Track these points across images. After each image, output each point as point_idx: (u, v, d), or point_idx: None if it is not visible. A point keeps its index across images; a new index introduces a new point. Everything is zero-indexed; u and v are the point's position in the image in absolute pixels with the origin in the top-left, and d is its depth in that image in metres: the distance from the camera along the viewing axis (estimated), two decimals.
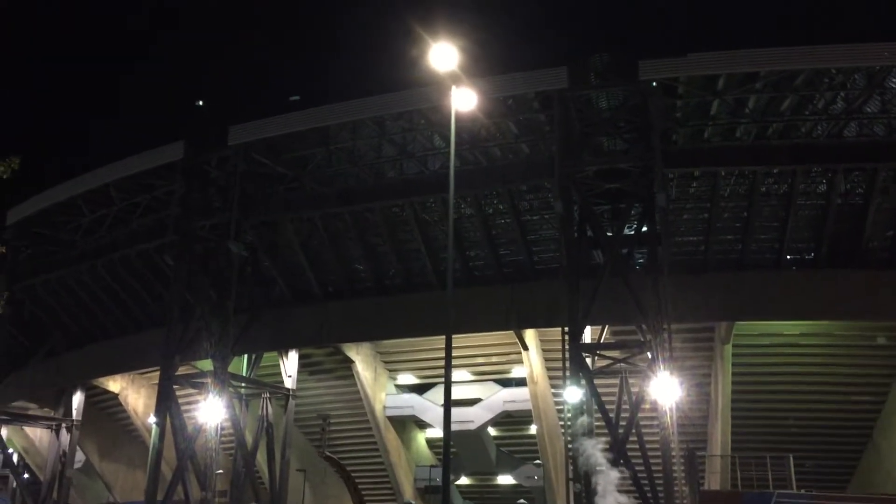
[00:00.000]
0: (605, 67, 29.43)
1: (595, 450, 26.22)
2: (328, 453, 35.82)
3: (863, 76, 29.26)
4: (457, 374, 35.74)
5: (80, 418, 42.83)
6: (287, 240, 35.21)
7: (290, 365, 36.48)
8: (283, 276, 36.26)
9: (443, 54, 20.31)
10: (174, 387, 33.49)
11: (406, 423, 38.14)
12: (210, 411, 32.41)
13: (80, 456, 45.28)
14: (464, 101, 21.65)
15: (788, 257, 31.66)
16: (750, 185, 30.26)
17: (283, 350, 36.60)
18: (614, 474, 26.35)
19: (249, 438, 36.10)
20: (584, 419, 27.34)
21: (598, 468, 25.91)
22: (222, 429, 33.22)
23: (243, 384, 36.48)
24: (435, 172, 33.06)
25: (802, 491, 28.68)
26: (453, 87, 21.33)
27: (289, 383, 36.25)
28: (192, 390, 36.58)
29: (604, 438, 27.78)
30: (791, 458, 29.56)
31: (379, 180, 34.48)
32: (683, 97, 29.93)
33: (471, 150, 32.70)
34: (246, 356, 37.00)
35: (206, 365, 34.09)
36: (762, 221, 31.12)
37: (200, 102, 35.66)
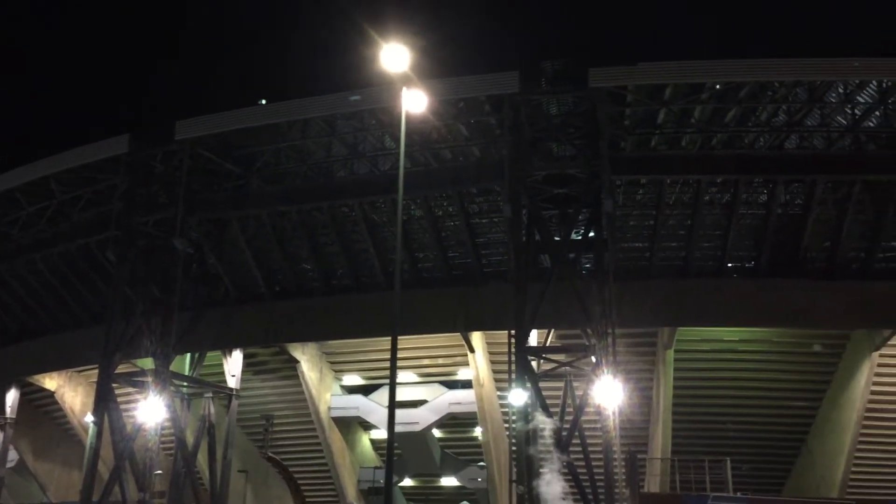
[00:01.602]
0: (556, 73, 29.75)
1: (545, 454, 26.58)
2: (271, 454, 35.43)
3: (804, 90, 30.11)
4: (403, 376, 35.66)
5: (14, 416, 41.68)
6: (234, 238, 34.75)
7: (233, 364, 35.99)
8: (229, 274, 35.78)
9: (394, 55, 20.31)
10: (113, 385, 32.79)
11: (351, 425, 37.93)
12: (150, 411, 31.79)
13: (13, 455, 44.01)
14: (415, 102, 21.69)
15: (730, 265, 32.38)
16: (694, 194, 30.87)
17: (228, 349, 36.09)
18: (557, 476, 26.69)
19: (190, 438, 35.50)
20: (547, 421, 27.64)
21: (541, 470, 26.17)
22: (162, 428, 32.64)
23: (185, 383, 35.87)
24: (385, 173, 32.98)
25: (738, 494, 29.37)
26: (404, 89, 21.32)
27: (232, 383, 35.76)
28: (131, 389, 35.83)
29: (548, 441, 28.12)
30: (728, 462, 30.27)
31: (328, 180, 34.27)
32: (632, 105, 30.41)
33: (421, 151, 32.71)
34: (189, 355, 36.39)
35: (147, 363, 33.44)
36: (705, 229, 31.76)
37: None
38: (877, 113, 30.91)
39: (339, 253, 34.45)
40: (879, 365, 31.71)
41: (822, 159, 30.30)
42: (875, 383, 31.79)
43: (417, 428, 35.56)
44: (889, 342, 31.18)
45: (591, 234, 29.96)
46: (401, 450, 35.92)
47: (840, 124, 31.36)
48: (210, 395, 35.92)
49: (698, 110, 30.73)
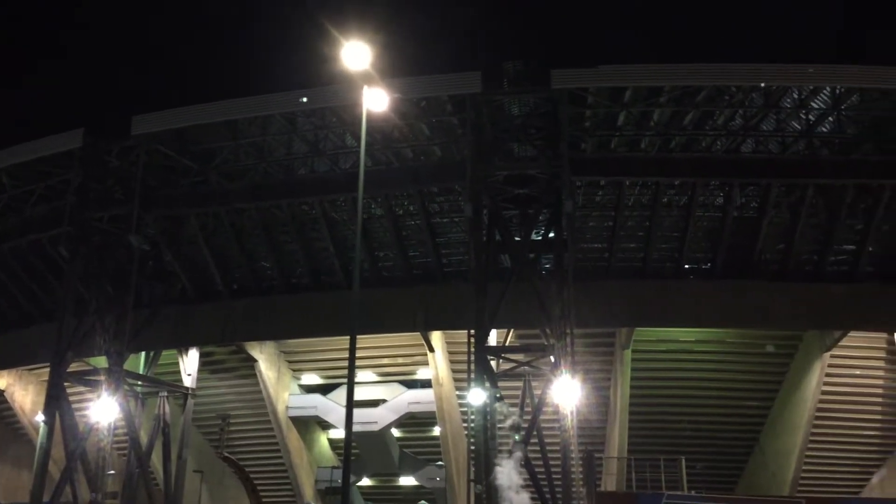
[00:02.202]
0: (518, 74, 29.86)
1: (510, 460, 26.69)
2: (227, 454, 35.03)
3: (760, 95, 30.62)
4: (362, 375, 35.57)
5: None
6: (191, 235, 34.28)
7: (189, 363, 35.52)
8: (186, 271, 35.27)
9: (355, 53, 20.21)
10: (65, 384, 32.12)
11: (309, 424, 37.67)
12: (103, 410, 31.21)
13: None
14: (376, 100, 21.61)
15: (687, 266, 32.82)
16: (653, 196, 31.23)
17: (184, 348, 35.59)
18: (515, 475, 26.80)
19: (145, 438, 34.95)
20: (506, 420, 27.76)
21: (499, 469, 26.26)
22: (116, 428, 32.06)
23: (140, 382, 35.29)
24: (346, 171, 32.81)
25: (693, 492, 29.79)
26: (365, 87, 21.22)
27: (188, 382, 35.29)
28: (84, 388, 35.11)
29: (506, 440, 28.26)
30: (683, 461, 30.67)
31: (289, 177, 33.97)
32: (592, 107, 30.65)
33: (383, 150, 32.60)
34: (143, 353, 35.81)
35: (101, 362, 32.81)
36: (663, 231, 32.15)
37: None
38: (830, 119, 31.57)
39: (299, 251, 34.18)
40: (830, 365, 32.41)
41: (777, 163, 30.88)
42: (826, 383, 32.48)
43: (376, 427, 35.44)
44: (840, 343, 31.90)
45: (551, 234, 30.13)
46: (359, 449, 35.77)
47: (794, 129, 31.96)
48: (165, 394, 35.39)
49: (657, 113, 31.09)
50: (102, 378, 31.72)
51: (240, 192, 33.44)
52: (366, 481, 37.92)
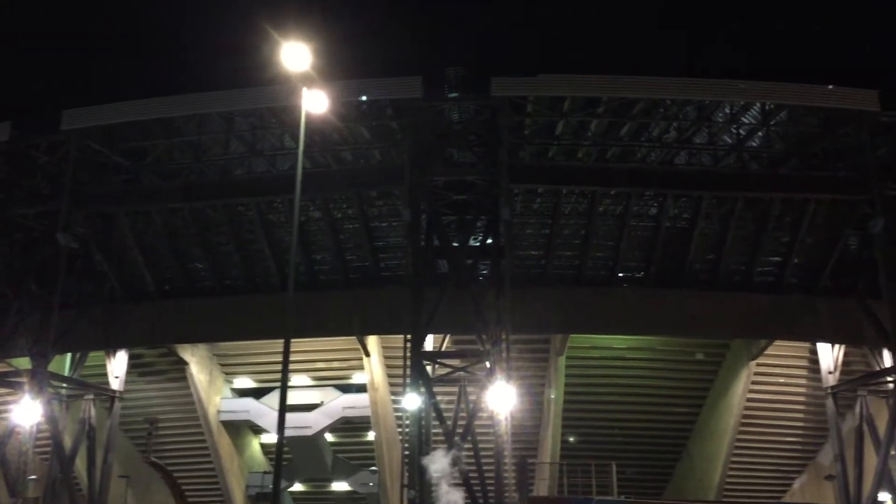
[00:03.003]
0: (459, 81, 30.09)
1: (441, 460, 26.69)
2: (154, 459, 34.19)
3: (693, 109, 31.43)
4: (296, 379, 35.19)
5: None
6: (122, 234, 33.41)
7: (117, 365, 34.58)
8: (116, 271, 34.35)
9: (295, 54, 19.98)
10: None
11: (240, 428, 37.07)
12: (25, 413, 30.18)
13: None
14: (316, 102, 21.40)
15: (621, 275, 33.40)
16: (589, 205, 31.71)
17: (112, 349, 34.64)
18: (448, 480, 26.84)
19: (69, 442, 33.86)
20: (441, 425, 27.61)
21: (432, 474, 26.28)
22: (38, 431, 31.03)
23: (64, 384, 34.23)
24: (284, 173, 32.43)
25: (623, 497, 30.31)
26: (304, 88, 21.00)
27: (115, 385, 34.36)
28: (5, 390, 33.89)
29: (441, 446, 28.28)
30: (614, 466, 31.21)
31: (225, 177, 33.40)
32: (532, 116, 31.02)
33: (322, 152, 32.37)
34: (69, 355, 34.72)
35: (24, 363, 31.73)
36: (599, 240, 32.65)
37: None
38: (759, 134, 32.57)
39: (233, 252, 33.64)
40: (756, 374, 33.39)
41: (709, 176, 31.71)
42: (751, 391, 33.45)
43: (310, 432, 35.09)
44: (765, 352, 32.90)
45: (489, 240, 30.35)
46: (292, 454, 35.37)
47: (726, 143, 32.88)
48: (91, 397, 34.42)
49: (594, 123, 31.61)
50: (25, 380, 30.68)
51: (173, 191, 32.75)
52: (298, 486, 37.50)
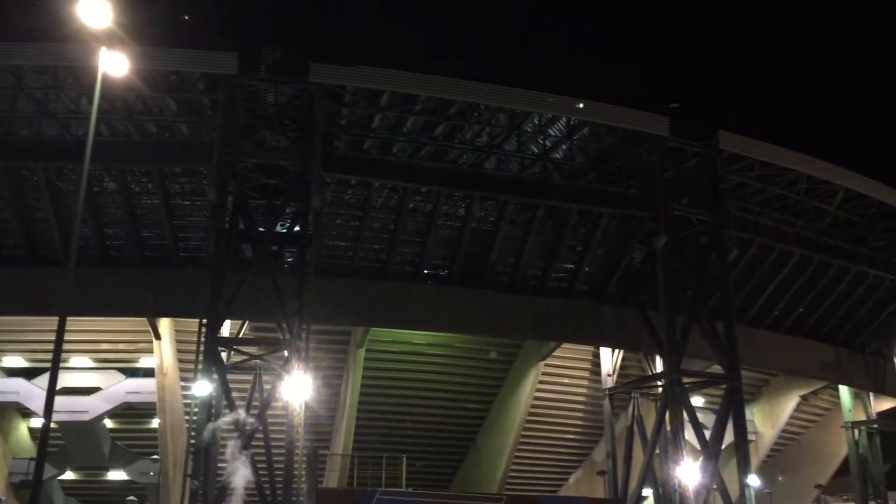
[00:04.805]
0: (277, 62, 29.25)
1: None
2: None
3: (506, 116, 32.56)
4: (76, 361, 32.97)
5: None
6: None
7: None
8: None
9: (95, 9, 18.28)
10: None
11: (7, 411, 34.06)
12: None
13: None
14: (119, 67, 19.87)
15: (426, 271, 33.99)
16: (400, 200, 31.98)
17: None
18: (236, 471, 26.15)
19: None
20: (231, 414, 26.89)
21: (219, 464, 25.48)
22: None
23: None
24: (77, 138, 30.02)
25: (411, 489, 30.87)
26: (104, 49, 19.40)
27: None
28: None
29: (231, 434, 27.45)
30: (405, 459, 31.72)
31: (9, 137, 30.44)
32: (349, 106, 30.82)
33: (123, 121, 30.36)
34: None
35: None
36: (407, 235, 33.03)
37: None
38: (564, 147, 34.32)
39: (13, 219, 30.76)
40: (543, 374, 35.23)
41: (515, 182, 33.01)
42: (538, 390, 35.26)
43: (87, 417, 32.87)
44: (554, 353, 34.75)
45: (297, 228, 29.84)
46: (64, 440, 33.02)
47: (533, 152, 34.35)
48: None
49: (411, 120, 31.92)
50: None
51: None
52: (70, 475, 34.97)
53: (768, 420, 41.00)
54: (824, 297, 38.48)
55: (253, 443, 27.67)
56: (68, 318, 18.59)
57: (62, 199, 30.51)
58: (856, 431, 40.64)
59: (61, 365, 31.85)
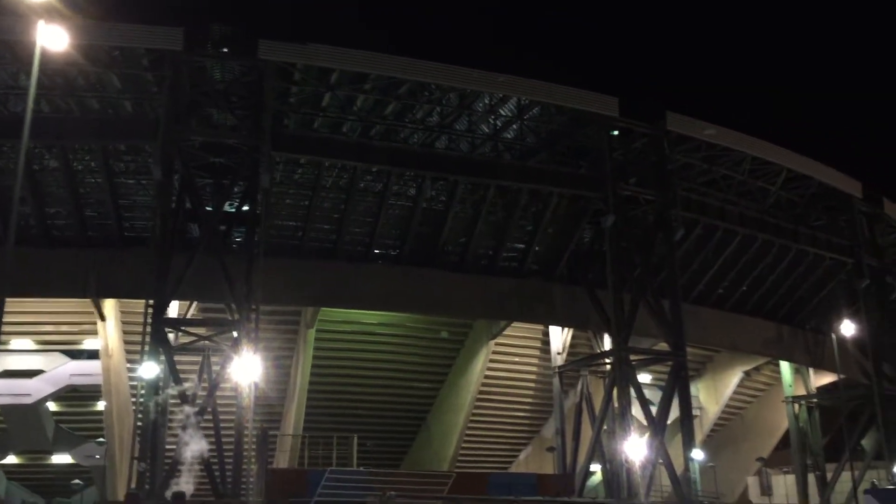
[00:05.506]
0: (224, 38, 28.77)
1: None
2: None
3: (456, 96, 32.51)
4: (17, 343, 32.18)
5: None
6: None
7: None
8: None
9: None
10: None
11: None
12: None
13: None
14: (58, 41, 19.25)
15: (376, 251, 33.90)
16: (350, 180, 31.75)
17: None
18: (185, 451, 25.93)
19: None
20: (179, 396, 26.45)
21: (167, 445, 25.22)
22: None
23: None
24: (16, 114, 29.12)
25: (361, 468, 30.93)
26: (42, 23, 18.78)
27: None
28: None
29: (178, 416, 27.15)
30: (355, 438, 31.77)
31: None
32: (299, 84, 30.44)
33: (64, 97, 29.55)
34: None
35: None
36: (357, 215, 32.86)
37: None
38: (514, 126, 34.43)
39: None
40: (494, 353, 35.50)
41: (466, 162, 33.01)
42: (489, 369, 35.52)
43: (29, 400, 32.18)
44: (504, 332, 35.03)
45: (245, 207, 29.47)
46: (6, 424, 32.28)
47: (483, 132, 34.38)
48: None
49: (361, 99, 31.68)
50: None
51: None
52: (12, 459, 34.23)
53: (712, 396, 42.02)
54: (767, 275, 39.41)
55: (202, 425, 27.39)
56: (8, 300, 18.03)
57: (0, 178, 29.61)
58: (796, 406, 41.93)
59: (2, 347, 31.46)
